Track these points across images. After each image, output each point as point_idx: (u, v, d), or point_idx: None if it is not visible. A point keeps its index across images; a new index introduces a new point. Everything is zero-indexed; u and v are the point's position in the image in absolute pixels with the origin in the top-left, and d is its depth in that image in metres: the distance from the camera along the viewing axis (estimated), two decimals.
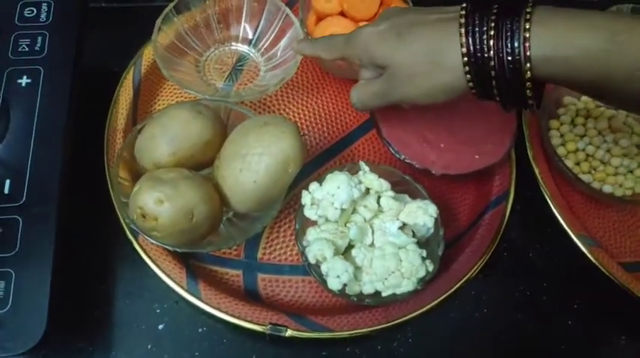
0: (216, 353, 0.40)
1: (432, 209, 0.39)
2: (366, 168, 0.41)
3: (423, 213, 0.39)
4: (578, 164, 0.48)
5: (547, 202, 0.45)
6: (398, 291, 0.37)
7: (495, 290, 0.45)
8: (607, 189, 0.46)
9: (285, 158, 0.37)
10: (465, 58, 0.32)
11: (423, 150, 0.44)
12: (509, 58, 0.30)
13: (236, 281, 0.43)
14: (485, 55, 0.31)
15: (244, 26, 0.52)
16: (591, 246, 0.44)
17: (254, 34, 0.52)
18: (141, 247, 0.41)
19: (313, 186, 0.40)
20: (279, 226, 0.45)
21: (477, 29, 0.31)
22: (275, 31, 0.51)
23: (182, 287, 0.40)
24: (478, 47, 0.31)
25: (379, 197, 0.41)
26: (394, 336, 0.42)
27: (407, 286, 0.37)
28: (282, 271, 0.43)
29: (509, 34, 0.30)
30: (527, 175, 0.47)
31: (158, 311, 0.42)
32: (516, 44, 0.30)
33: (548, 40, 0.30)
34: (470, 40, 0.31)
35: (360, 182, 0.40)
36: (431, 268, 0.38)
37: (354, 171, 0.41)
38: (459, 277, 0.41)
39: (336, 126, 0.50)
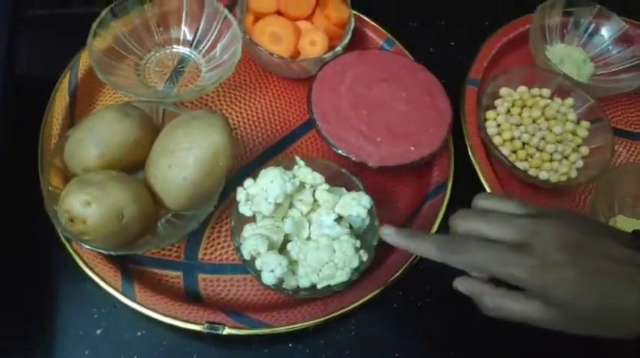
0: (156, 355, 0.40)
1: (366, 200, 0.40)
2: (301, 163, 0.41)
3: (356, 204, 0.39)
4: (515, 152, 0.49)
5: (486, 191, 0.46)
6: (332, 282, 0.37)
7: (439, 280, 0.45)
8: (543, 175, 0.47)
9: (214, 151, 0.37)
10: None
11: (359, 145, 0.45)
12: None
13: (176, 283, 0.42)
14: None
15: (184, 29, 0.52)
16: None
17: (194, 36, 0.52)
18: (75, 251, 0.40)
19: (248, 182, 0.40)
20: (220, 226, 0.45)
21: None
22: (215, 33, 0.51)
23: (117, 289, 0.39)
24: None
25: (315, 191, 0.41)
26: (337, 329, 0.42)
27: (341, 276, 0.37)
28: (224, 270, 0.43)
29: None
30: (467, 166, 0.48)
31: (96, 316, 0.41)
32: None
33: None
34: None
35: (295, 176, 0.40)
36: (365, 258, 0.38)
37: (290, 166, 0.41)
38: (396, 268, 0.42)
39: (278, 125, 0.50)
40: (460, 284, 0.35)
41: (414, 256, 0.43)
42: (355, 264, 0.37)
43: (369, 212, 0.40)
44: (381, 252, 0.41)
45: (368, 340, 0.42)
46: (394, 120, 0.46)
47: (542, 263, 0.31)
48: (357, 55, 0.49)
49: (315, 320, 0.39)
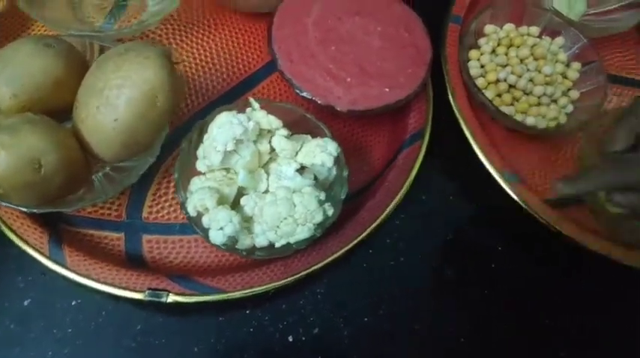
0: (94, 327, 0.35)
1: (332, 146, 0.35)
2: (255, 105, 0.35)
3: (321, 152, 0.34)
4: (499, 96, 0.44)
5: (467, 139, 0.42)
6: (292, 240, 0.33)
7: (413, 237, 0.41)
8: (530, 121, 0.43)
9: (150, 89, 0.31)
10: None
11: (327, 86, 0.39)
12: None
13: (116, 246, 0.37)
14: None
15: None
16: (515, 183, 0.41)
17: None
18: None
19: (205, 136, 0.34)
20: (167, 182, 0.39)
21: None
22: None
23: (43, 254, 0.34)
24: None
25: (271, 137, 0.35)
26: (301, 293, 0.37)
27: (302, 233, 0.32)
28: (171, 231, 0.38)
29: None
30: (447, 112, 0.43)
31: (22, 285, 0.36)
32: None
33: None
34: None
35: (249, 119, 0.34)
36: (330, 212, 0.33)
37: (244, 110, 0.36)
38: (366, 224, 0.37)
39: (235, 67, 0.44)
40: (623, 198, 0.34)
41: (385, 210, 0.38)
42: (319, 218, 0.32)
43: (336, 160, 0.35)
44: (350, 206, 0.37)
45: (335, 304, 0.38)
46: (367, 58, 0.40)
47: None
48: None
49: (275, 284, 0.35)
